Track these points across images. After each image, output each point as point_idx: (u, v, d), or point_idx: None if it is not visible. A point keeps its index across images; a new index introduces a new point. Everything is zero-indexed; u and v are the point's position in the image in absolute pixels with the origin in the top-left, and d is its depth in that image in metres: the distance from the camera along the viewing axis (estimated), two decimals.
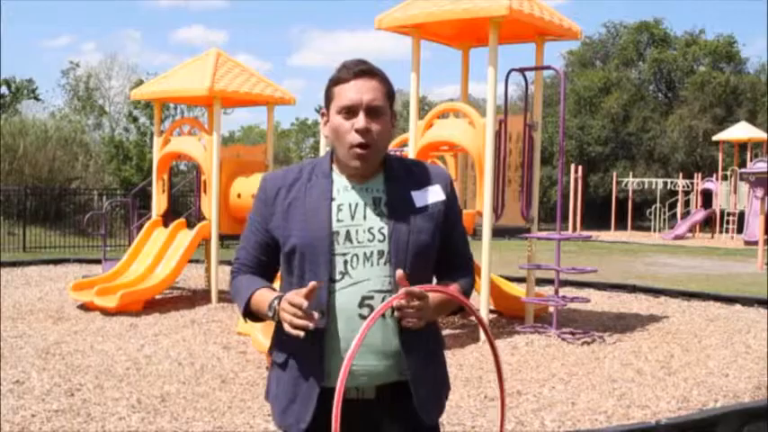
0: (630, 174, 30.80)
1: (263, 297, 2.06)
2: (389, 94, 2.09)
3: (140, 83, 22.11)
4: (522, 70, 8.35)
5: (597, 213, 32.38)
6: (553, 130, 30.89)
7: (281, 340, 2.13)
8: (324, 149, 9.72)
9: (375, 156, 2.06)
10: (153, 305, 9.42)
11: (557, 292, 8.14)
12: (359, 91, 2.02)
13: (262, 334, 6.28)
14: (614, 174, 30.98)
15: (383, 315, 1.99)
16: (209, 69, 10.07)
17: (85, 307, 9.20)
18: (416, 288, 1.89)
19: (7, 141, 22.50)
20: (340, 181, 2.09)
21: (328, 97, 2.08)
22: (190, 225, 10.67)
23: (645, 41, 39.05)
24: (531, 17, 7.78)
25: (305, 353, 2.04)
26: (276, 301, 2.00)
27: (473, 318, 7.61)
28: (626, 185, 29.69)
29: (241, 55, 73.51)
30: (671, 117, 35.97)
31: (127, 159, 27.12)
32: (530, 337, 7.65)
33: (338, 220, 2.04)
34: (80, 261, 14.58)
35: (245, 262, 2.18)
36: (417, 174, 2.13)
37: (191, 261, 10.91)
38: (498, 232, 8.20)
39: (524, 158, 8.31)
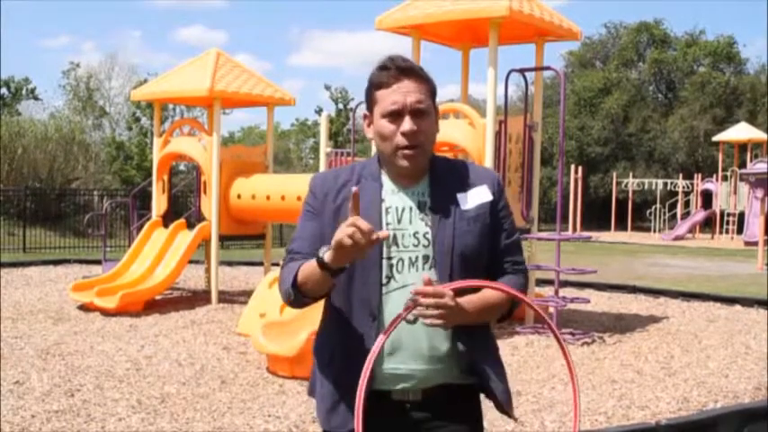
0: (630, 174, 30.80)
1: (313, 262, 1.96)
2: (433, 91, 2.07)
3: (143, 82, 22.10)
4: (521, 71, 8.35)
5: (597, 214, 32.38)
6: (553, 131, 30.88)
7: (326, 338, 2.11)
8: (324, 150, 9.72)
9: (423, 156, 2.04)
10: (153, 306, 9.42)
11: (557, 292, 8.14)
12: (403, 93, 1.99)
13: (262, 335, 6.29)
14: (614, 174, 30.98)
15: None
16: (209, 70, 10.07)
17: (86, 307, 9.20)
18: (429, 288, 1.87)
19: (7, 142, 22.51)
20: (388, 184, 2.07)
21: (371, 100, 2.04)
22: (190, 226, 10.67)
23: (645, 42, 39.04)
24: (531, 18, 7.78)
25: (351, 354, 2.01)
26: (326, 247, 1.90)
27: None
28: (626, 186, 29.69)
29: (241, 55, 73.49)
30: (671, 118, 35.97)
31: (128, 159, 27.16)
32: (530, 337, 7.65)
33: (387, 223, 2.02)
34: (80, 262, 14.59)
35: (299, 250, 2.08)
36: (463, 174, 2.10)
37: (191, 262, 10.90)
38: None
39: (524, 159, 8.31)
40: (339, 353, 2.06)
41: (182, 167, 21.73)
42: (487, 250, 2.07)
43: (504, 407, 2.11)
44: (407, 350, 2.00)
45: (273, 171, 11.19)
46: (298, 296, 2.01)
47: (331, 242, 1.88)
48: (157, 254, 10.09)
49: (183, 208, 16.37)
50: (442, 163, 2.13)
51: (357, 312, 2.02)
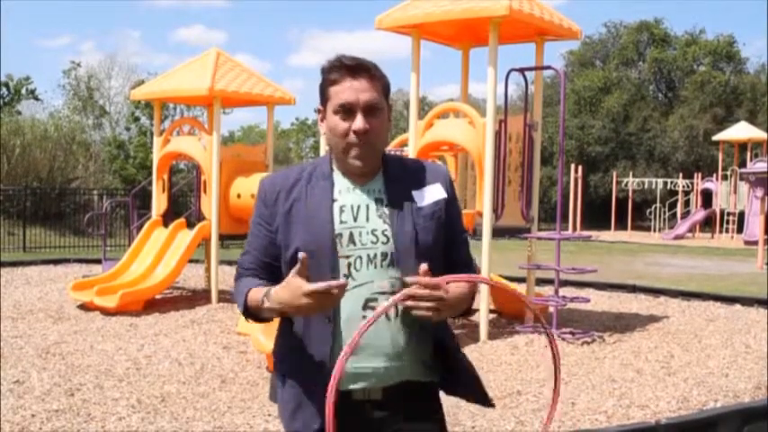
0: (630, 174, 30.80)
1: (260, 291, 2.01)
2: (385, 88, 2.06)
3: (141, 83, 22.11)
4: (521, 70, 8.35)
5: (597, 213, 32.38)
6: (553, 130, 30.88)
7: (284, 342, 2.11)
8: (324, 149, 9.71)
9: (374, 153, 2.04)
10: (153, 305, 9.42)
11: (557, 292, 8.13)
12: (355, 90, 1.98)
13: (262, 334, 6.29)
14: (614, 174, 30.97)
15: (387, 316, 1.97)
16: (209, 69, 10.07)
17: (85, 307, 9.20)
18: (428, 279, 1.85)
19: (7, 141, 22.50)
20: (341, 182, 2.06)
21: (324, 96, 2.05)
22: (190, 225, 10.67)
23: (645, 41, 39.03)
24: (531, 17, 7.78)
25: (310, 356, 2.01)
26: (272, 290, 1.94)
27: (472, 318, 7.62)
28: (626, 185, 29.69)
29: (241, 55, 73.47)
30: (671, 117, 35.97)
31: (129, 158, 27.14)
32: (530, 336, 7.65)
33: (341, 222, 2.01)
34: (80, 261, 14.58)
35: (248, 266, 2.12)
36: (417, 172, 2.11)
37: (191, 261, 10.91)
38: (498, 232, 8.20)
39: (524, 158, 8.31)
40: (297, 355, 2.04)
41: (182, 166, 21.73)
42: (442, 247, 2.08)
43: (476, 398, 2.12)
44: (368, 348, 1.98)
45: (273, 170, 11.19)
46: (252, 316, 2.07)
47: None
48: (157, 253, 10.09)
49: (182, 207, 16.37)
50: (395, 161, 2.13)
51: (313, 316, 1.99)
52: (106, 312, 8.87)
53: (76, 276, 11.76)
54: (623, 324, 8.59)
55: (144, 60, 77.68)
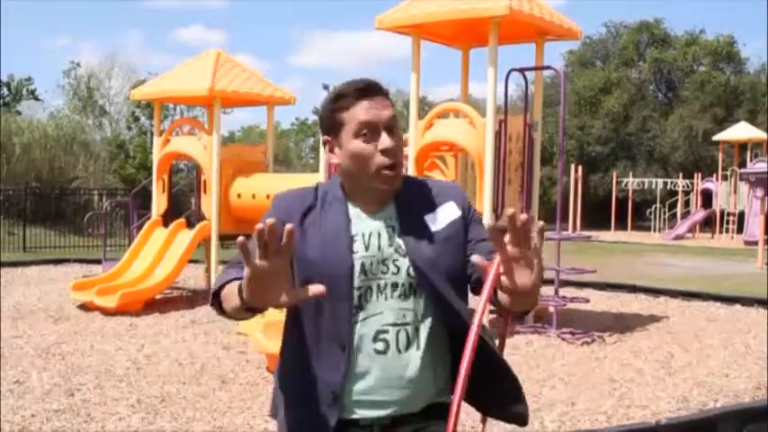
0: (630, 174, 30.79)
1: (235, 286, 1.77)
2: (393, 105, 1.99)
3: (141, 82, 22.10)
4: (522, 70, 8.35)
5: (597, 213, 32.35)
6: (553, 130, 30.87)
7: (292, 364, 2.02)
8: (324, 150, 9.71)
9: (400, 175, 1.94)
10: (153, 305, 9.42)
11: (557, 292, 8.14)
12: (376, 109, 1.90)
13: (262, 334, 6.28)
14: (614, 174, 30.97)
15: (398, 348, 1.91)
16: (209, 69, 10.07)
17: (86, 307, 9.20)
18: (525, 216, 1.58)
19: (7, 141, 22.50)
20: (352, 210, 1.97)
21: (335, 124, 1.92)
22: (190, 225, 10.67)
23: (645, 41, 39.03)
24: (531, 17, 7.78)
25: (319, 382, 1.93)
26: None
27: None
28: (626, 185, 29.68)
29: (241, 55, 73.40)
30: (671, 117, 35.96)
31: (129, 158, 27.13)
32: (529, 337, 7.65)
33: (353, 251, 1.92)
34: (80, 261, 14.57)
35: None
36: (428, 194, 2.01)
37: (191, 261, 10.91)
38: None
39: (524, 158, 8.31)
40: (306, 379, 1.96)
41: (182, 166, 21.73)
42: (463, 264, 1.96)
43: (510, 419, 2.07)
44: (377, 379, 1.91)
45: (273, 170, 11.19)
46: (216, 305, 1.88)
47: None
48: (157, 253, 10.09)
49: (183, 207, 16.38)
50: (406, 184, 2.00)
51: (326, 343, 1.92)
52: (106, 312, 8.87)
53: (77, 276, 11.76)
54: (623, 324, 8.59)
55: (144, 60, 77.60)
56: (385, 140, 1.89)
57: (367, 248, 1.93)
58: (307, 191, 2.02)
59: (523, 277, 1.62)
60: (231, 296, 1.79)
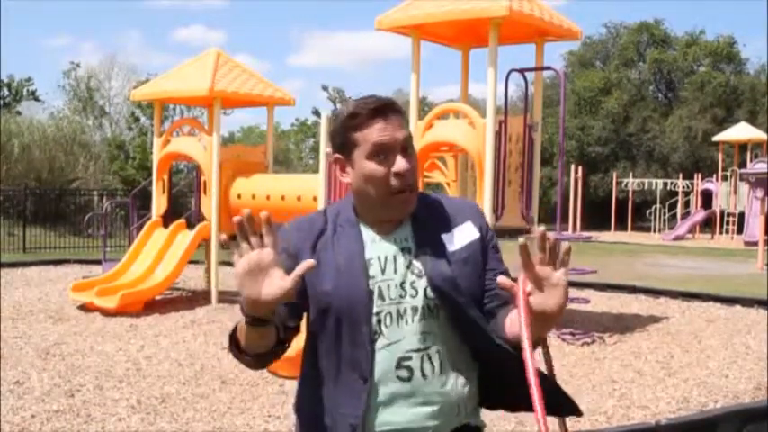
0: (630, 174, 30.78)
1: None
2: (407, 122, 1.93)
3: (143, 82, 22.11)
4: (522, 71, 8.36)
5: (597, 214, 32.35)
6: (553, 131, 30.87)
7: (311, 399, 1.95)
8: (324, 151, 9.69)
9: (415, 198, 1.87)
10: (153, 306, 9.42)
11: None
12: (391, 130, 1.82)
13: None
14: (614, 174, 30.96)
15: (424, 374, 1.84)
16: (210, 70, 10.07)
17: (85, 307, 9.20)
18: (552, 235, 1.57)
19: (7, 142, 22.51)
20: (366, 233, 1.90)
21: (348, 144, 1.85)
22: (190, 226, 10.67)
23: (645, 42, 39.02)
24: (531, 17, 7.79)
25: (340, 414, 1.87)
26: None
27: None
28: (626, 186, 29.68)
29: (241, 55, 73.39)
30: (671, 117, 35.96)
31: (129, 159, 27.13)
32: None
33: (369, 277, 1.85)
34: (80, 262, 14.59)
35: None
36: (443, 213, 1.94)
37: (190, 262, 10.91)
38: (498, 233, 8.16)
39: (524, 159, 8.31)
40: (325, 415, 1.89)
41: (182, 167, 21.73)
42: (482, 290, 1.91)
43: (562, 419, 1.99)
44: (402, 407, 1.85)
45: (273, 171, 11.19)
46: (234, 348, 1.82)
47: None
48: (157, 254, 10.09)
49: (182, 208, 16.37)
50: (421, 203, 1.92)
51: (346, 374, 1.85)
52: (106, 313, 8.87)
53: (76, 277, 11.76)
54: (623, 325, 8.59)
55: (144, 60, 77.62)
56: (400, 163, 1.82)
57: (383, 272, 1.86)
58: (315, 216, 1.97)
59: (549, 298, 1.61)
60: (240, 325, 1.78)
